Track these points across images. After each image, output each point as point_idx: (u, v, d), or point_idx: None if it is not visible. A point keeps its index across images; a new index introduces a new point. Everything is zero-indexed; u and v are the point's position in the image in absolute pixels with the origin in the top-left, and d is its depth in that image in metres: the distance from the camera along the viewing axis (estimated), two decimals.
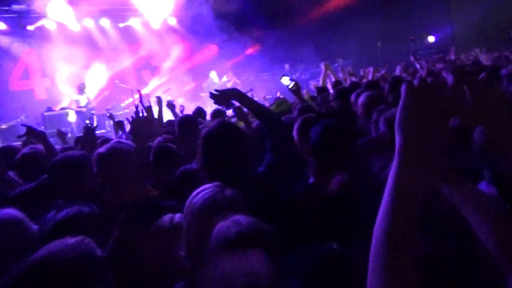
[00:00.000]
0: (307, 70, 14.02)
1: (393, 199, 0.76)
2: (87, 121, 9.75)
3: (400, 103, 0.82)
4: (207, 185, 1.52)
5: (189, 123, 3.00)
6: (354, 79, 6.86)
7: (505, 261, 0.87)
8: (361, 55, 14.83)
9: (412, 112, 0.79)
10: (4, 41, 11.18)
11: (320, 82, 6.73)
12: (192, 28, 13.97)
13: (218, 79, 13.14)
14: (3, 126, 8.71)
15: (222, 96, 2.20)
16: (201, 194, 1.47)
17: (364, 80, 6.63)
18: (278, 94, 7.14)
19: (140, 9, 12.97)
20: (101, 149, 2.09)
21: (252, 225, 1.22)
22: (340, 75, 7.45)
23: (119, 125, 4.82)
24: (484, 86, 0.82)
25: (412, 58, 8.13)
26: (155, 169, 2.50)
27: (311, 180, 2.04)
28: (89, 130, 3.13)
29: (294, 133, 2.58)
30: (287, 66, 13.53)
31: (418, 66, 7.01)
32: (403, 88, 0.82)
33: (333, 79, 6.46)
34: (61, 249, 1.14)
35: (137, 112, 1.91)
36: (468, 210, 0.89)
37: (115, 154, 2.02)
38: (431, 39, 14.43)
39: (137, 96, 10.35)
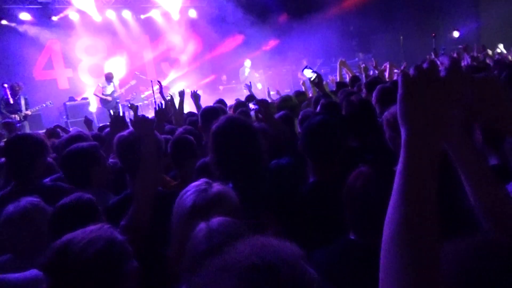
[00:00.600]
0: (327, 65, 13.86)
1: (406, 193, 0.74)
2: (112, 111, 9.89)
3: (398, 95, 0.81)
4: (195, 183, 1.48)
5: (211, 114, 3.00)
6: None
7: (484, 219, 0.95)
8: (382, 49, 14.56)
9: (411, 103, 0.79)
10: (30, 31, 11.43)
11: (337, 78, 6.67)
12: (212, 21, 13.97)
13: (249, 69, 13.13)
14: (29, 112, 8.94)
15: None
16: (188, 193, 1.43)
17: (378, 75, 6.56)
18: (302, 86, 7.02)
19: (159, 1, 13.02)
20: (122, 133, 2.12)
21: (227, 234, 1.14)
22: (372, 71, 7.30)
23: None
24: (483, 81, 0.84)
25: (432, 55, 7.92)
26: (174, 161, 2.51)
27: (312, 179, 1.99)
28: (117, 118, 3.18)
29: None
30: (304, 61, 13.41)
31: (438, 63, 6.82)
32: (399, 80, 0.82)
33: (350, 75, 6.39)
34: (83, 236, 1.16)
35: (161, 103, 1.93)
36: (460, 166, 0.95)
37: (135, 138, 2.03)
38: (456, 34, 14.04)
39: (156, 87, 10.46)
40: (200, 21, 14.27)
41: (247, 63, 13.23)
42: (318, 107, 3.24)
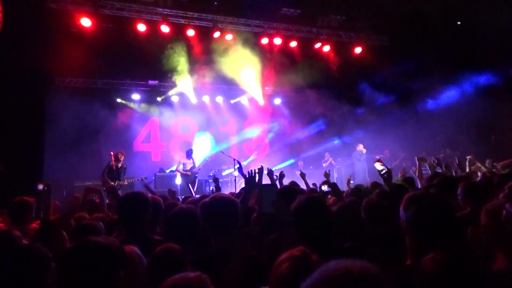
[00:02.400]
0: (409, 159, 13.53)
1: None
2: (190, 184, 10.58)
3: None
4: (292, 251, 1.58)
5: (288, 193, 3.22)
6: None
7: None
8: (471, 147, 13.85)
9: None
10: (138, 108, 13.40)
11: (417, 174, 6.62)
12: (295, 108, 14.88)
13: (364, 151, 13.38)
14: (126, 182, 9.95)
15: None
16: (288, 261, 1.51)
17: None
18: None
19: (249, 90, 14.33)
20: (205, 200, 2.38)
21: None
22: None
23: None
24: None
25: None
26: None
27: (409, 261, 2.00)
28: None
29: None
30: (387, 152, 13.28)
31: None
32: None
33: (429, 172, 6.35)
34: (183, 280, 1.39)
35: (251, 170, 2.22)
36: None
37: (215, 204, 2.28)
38: None
39: (237, 166, 11.06)
40: (284, 108, 15.26)
41: (360, 147, 13.42)
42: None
